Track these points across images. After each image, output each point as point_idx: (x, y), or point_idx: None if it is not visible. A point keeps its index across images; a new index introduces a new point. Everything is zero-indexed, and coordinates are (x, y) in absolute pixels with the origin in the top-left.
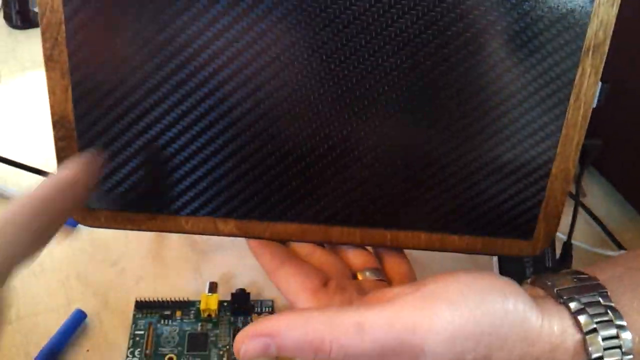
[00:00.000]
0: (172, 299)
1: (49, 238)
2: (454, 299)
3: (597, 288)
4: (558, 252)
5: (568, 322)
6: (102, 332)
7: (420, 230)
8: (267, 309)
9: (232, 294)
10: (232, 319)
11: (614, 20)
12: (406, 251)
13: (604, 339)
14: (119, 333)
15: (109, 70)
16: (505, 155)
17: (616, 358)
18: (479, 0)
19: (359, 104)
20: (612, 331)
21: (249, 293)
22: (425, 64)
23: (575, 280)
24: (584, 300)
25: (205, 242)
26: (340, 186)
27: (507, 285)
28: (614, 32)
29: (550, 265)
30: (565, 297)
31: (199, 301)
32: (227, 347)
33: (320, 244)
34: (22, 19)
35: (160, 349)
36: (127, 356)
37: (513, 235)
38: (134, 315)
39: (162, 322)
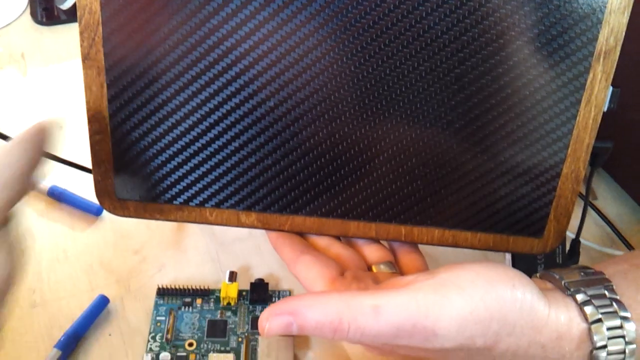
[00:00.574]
0: (193, 287)
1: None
2: (465, 286)
3: (603, 282)
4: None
5: (574, 312)
6: (124, 317)
7: (434, 227)
8: None
9: (251, 284)
10: (250, 307)
11: (624, 28)
12: (420, 246)
13: (609, 328)
14: (140, 318)
15: (143, 68)
16: (518, 156)
17: (620, 346)
18: (496, 8)
19: (379, 104)
20: (617, 322)
21: (267, 283)
22: (442, 67)
23: (582, 274)
24: (590, 292)
25: (224, 234)
26: (358, 182)
27: (516, 276)
28: (628, 37)
29: (560, 262)
30: (572, 290)
31: (219, 289)
32: (246, 333)
33: (337, 238)
34: (48, 16)
35: (180, 334)
36: (149, 341)
37: (524, 233)
38: (156, 302)
39: (182, 308)
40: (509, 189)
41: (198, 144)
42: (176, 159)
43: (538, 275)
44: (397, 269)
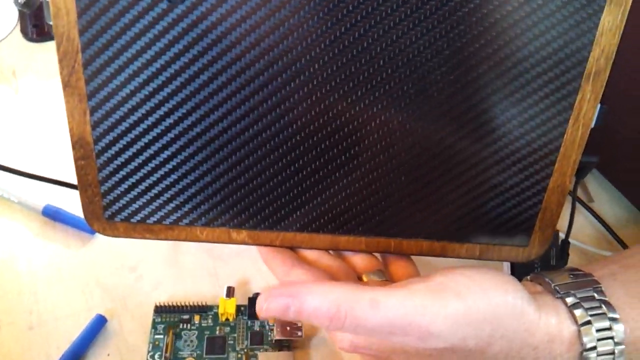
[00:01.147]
0: (191, 304)
1: None
2: (460, 290)
3: (592, 284)
4: None
5: (564, 315)
6: (122, 336)
7: (423, 239)
8: None
9: (249, 298)
10: (249, 322)
11: (615, 49)
12: None
13: (598, 330)
14: (138, 337)
15: (126, 93)
16: (506, 171)
17: (609, 347)
18: (486, 29)
19: (369, 126)
20: (606, 323)
21: None
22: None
23: (571, 276)
24: (580, 295)
25: (221, 249)
26: (347, 199)
27: (509, 281)
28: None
29: (554, 263)
30: (562, 293)
31: (217, 305)
32: (245, 349)
33: (327, 251)
34: (38, 32)
35: (179, 352)
36: (147, 359)
37: (510, 243)
38: (154, 320)
39: (181, 326)
40: (497, 202)
41: (186, 167)
42: (164, 181)
43: (529, 278)
44: (387, 277)
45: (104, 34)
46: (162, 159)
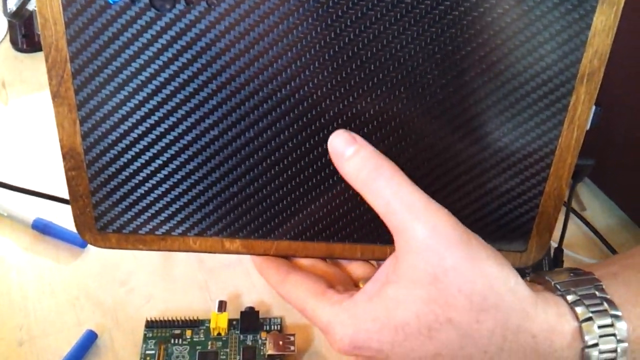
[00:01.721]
0: (182, 318)
1: None
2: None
3: (593, 282)
4: None
5: (565, 309)
6: (113, 351)
7: None
8: (275, 326)
9: (242, 312)
10: (241, 337)
11: (608, 50)
12: None
13: (600, 327)
14: (130, 352)
15: (116, 102)
16: (502, 175)
17: (611, 345)
18: (479, 30)
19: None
20: (607, 320)
21: (257, 311)
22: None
23: (571, 275)
24: (580, 292)
25: (213, 261)
26: (341, 207)
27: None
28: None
29: (547, 270)
30: (562, 290)
31: (209, 320)
32: None
33: (322, 258)
34: (28, 43)
35: None
36: None
37: (509, 248)
38: (145, 335)
39: (172, 341)
40: (493, 207)
41: (178, 176)
42: (156, 190)
43: (528, 279)
44: None
45: (92, 44)
46: (153, 168)
